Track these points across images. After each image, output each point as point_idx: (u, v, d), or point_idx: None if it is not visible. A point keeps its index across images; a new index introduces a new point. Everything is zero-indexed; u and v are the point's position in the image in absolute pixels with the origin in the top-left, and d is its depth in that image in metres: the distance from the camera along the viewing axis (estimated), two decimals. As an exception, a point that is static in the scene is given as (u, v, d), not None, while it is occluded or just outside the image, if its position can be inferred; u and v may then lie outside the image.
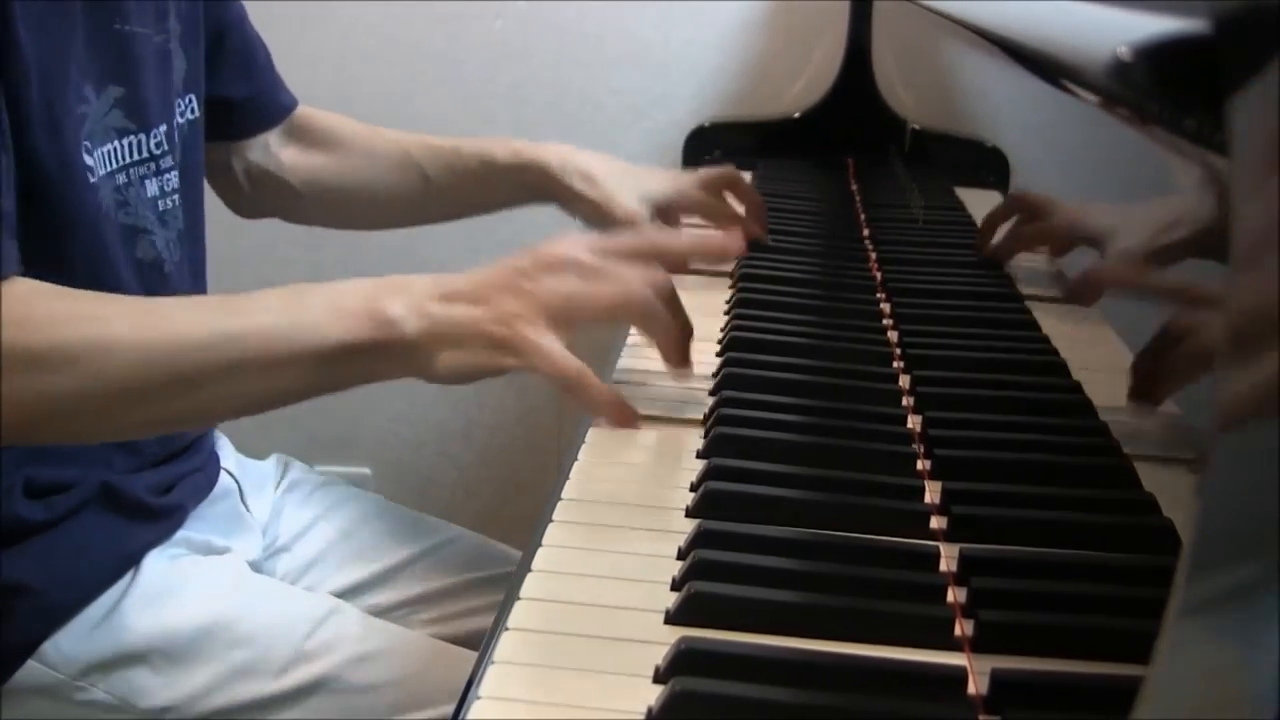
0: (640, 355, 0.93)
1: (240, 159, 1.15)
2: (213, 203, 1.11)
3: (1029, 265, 0.99)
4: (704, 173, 1.21)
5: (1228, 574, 0.33)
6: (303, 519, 1.09)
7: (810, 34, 1.78)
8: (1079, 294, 0.83)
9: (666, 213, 1.16)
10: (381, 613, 1.03)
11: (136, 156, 0.90)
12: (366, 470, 1.91)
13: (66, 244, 0.84)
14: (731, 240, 1.01)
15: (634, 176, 1.16)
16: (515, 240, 1.93)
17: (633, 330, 1.00)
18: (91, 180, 0.84)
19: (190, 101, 1.00)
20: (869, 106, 1.59)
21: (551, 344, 0.73)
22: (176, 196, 0.94)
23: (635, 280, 0.76)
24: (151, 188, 0.92)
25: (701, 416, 0.80)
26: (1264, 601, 0.31)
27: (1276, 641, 0.29)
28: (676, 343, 0.80)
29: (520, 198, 1.18)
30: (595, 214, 1.13)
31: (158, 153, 0.92)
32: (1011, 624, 0.56)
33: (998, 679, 0.52)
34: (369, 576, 1.07)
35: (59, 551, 0.87)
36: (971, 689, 0.52)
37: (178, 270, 0.94)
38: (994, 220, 1.03)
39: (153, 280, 0.91)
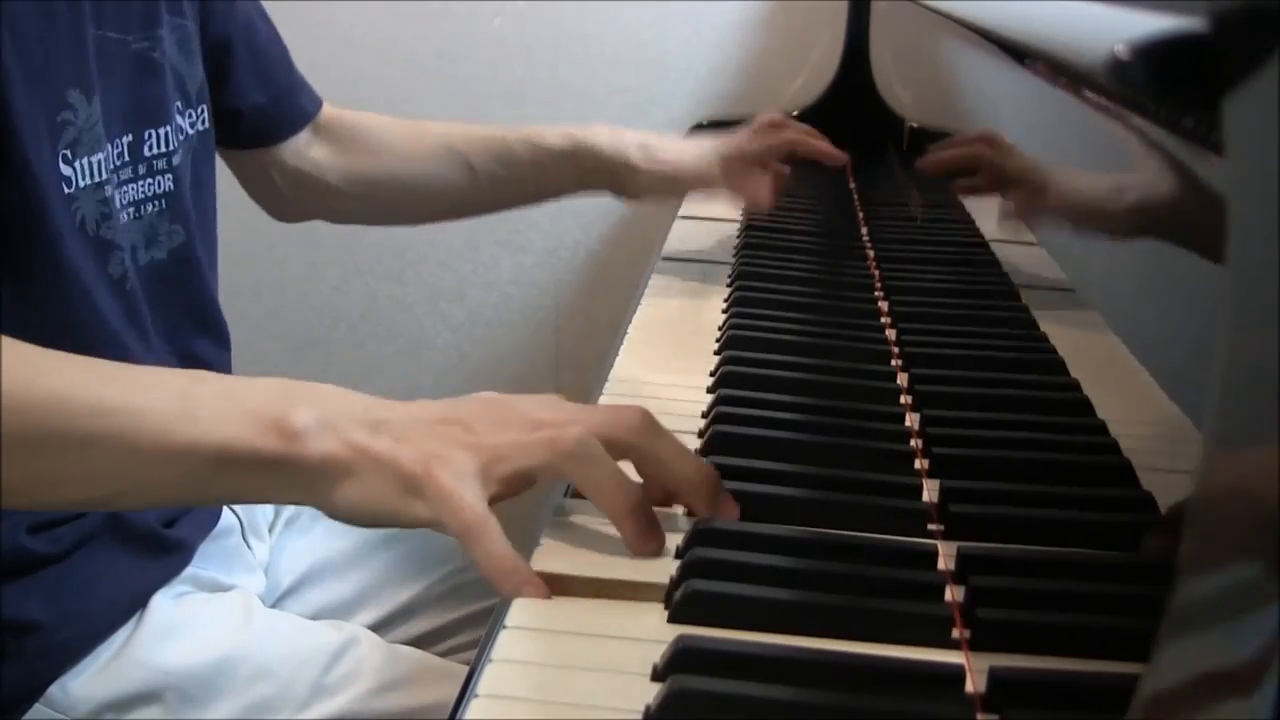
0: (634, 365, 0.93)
1: (275, 165, 1.13)
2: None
3: (1027, 259, 0.99)
4: (756, 125, 1.21)
5: (1226, 574, 0.33)
6: (305, 558, 1.05)
7: (808, 32, 1.78)
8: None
9: (733, 165, 1.16)
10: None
11: (118, 164, 0.87)
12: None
13: (30, 256, 0.80)
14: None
15: (690, 140, 1.18)
16: (515, 239, 1.94)
17: (630, 331, 0.99)
18: (67, 191, 0.81)
19: (202, 113, 0.97)
20: (867, 105, 1.60)
21: (465, 492, 0.61)
22: (161, 203, 0.91)
23: (577, 430, 0.63)
24: (131, 193, 0.88)
25: (697, 430, 0.79)
26: (1263, 600, 0.31)
27: (1275, 642, 0.29)
28: (628, 505, 0.63)
29: (573, 184, 1.15)
30: (662, 184, 1.14)
31: (147, 158, 0.89)
32: (1010, 622, 0.56)
33: (996, 677, 0.52)
34: (381, 618, 1.04)
35: (67, 587, 0.84)
36: (969, 687, 0.52)
37: (147, 286, 0.89)
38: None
39: (124, 297, 0.87)
